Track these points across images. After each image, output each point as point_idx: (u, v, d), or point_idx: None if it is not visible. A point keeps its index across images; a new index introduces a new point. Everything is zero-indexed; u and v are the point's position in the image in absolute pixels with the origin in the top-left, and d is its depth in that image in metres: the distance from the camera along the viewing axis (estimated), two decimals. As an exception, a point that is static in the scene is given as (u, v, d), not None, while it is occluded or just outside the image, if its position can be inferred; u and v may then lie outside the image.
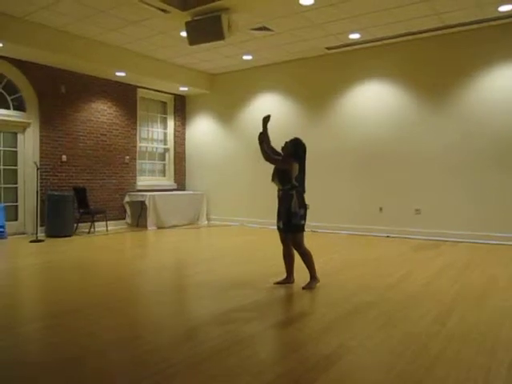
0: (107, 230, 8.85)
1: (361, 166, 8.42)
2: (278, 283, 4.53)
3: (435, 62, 7.61)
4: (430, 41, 7.61)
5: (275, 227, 4.59)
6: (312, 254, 4.42)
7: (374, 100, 8.27)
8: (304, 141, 4.43)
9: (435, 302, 3.89)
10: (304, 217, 4.34)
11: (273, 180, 4.45)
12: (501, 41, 7.03)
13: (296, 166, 4.29)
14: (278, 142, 4.55)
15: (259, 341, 3.08)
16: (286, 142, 4.43)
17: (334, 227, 8.62)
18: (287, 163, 4.32)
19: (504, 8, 6.39)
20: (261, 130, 4.49)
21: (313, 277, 4.42)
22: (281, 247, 4.57)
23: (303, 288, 4.35)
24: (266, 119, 4.47)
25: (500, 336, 3.07)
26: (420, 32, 7.41)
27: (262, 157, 4.42)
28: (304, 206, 4.34)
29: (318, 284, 4.42)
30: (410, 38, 7.65)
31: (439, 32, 7.37)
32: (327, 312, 3.67)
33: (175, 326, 3.39)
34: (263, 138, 4.48)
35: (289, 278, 4.56)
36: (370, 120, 8.31)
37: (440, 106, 7.61)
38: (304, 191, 4.39)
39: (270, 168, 4.49)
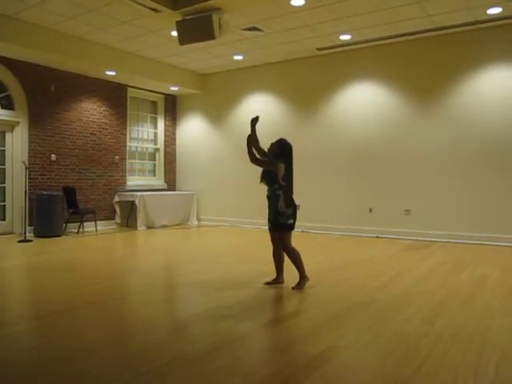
0: (96, 230, 8.78)
1: (351, 167, 8.45)
2: (268, 283, 4.52)
3: (426, 64, 7.65)
4: (420, 42, 7.65)
5: (265, 227, 4.59)
6: (300, 253, 4.41)
7: (364, 101, 8.31)
8: (294, 141, 4.44)
9: (424, 302, 3.91)
10: (292, 216, 4.33)
11: (261, 181, 4.46)
12: (490, 43, 7.10)
13: (282, 167, 4.28)
14: (268, 142, 4.50)
15: (249, 341, 3.07)
16: (272, 144, 4.43)
17: (324, 228, 8.63)
18: (273, 164, 4.32)
19: (492, 11, 6.46)
20: (249, 132, 4.47)
21: (302, 276, 4.42)
22: (271, 247, 4.57)
23: (293, 288, 4.34)
24: (255, 121, 4.43)
25: (488, 335, 3.10)
26: (411, 33, 7.45)
27: (249, 159, 4.41)
28: (292, 206, 4.34)
29: (308, 284, 4.42)
30: (400, 39, 7.70)
31: (430, 34, 7.42)
32: (317, 312, 3.67)
33: (165, 326, 3.37)
34: (251, 140, 4.45)
35: (279, 278, 4.56)
36: (361, 121, 8.34)
37: (430, 107, 7.66)
38: (292, 191, 4.38)
39: (260, 168, 4.48)
